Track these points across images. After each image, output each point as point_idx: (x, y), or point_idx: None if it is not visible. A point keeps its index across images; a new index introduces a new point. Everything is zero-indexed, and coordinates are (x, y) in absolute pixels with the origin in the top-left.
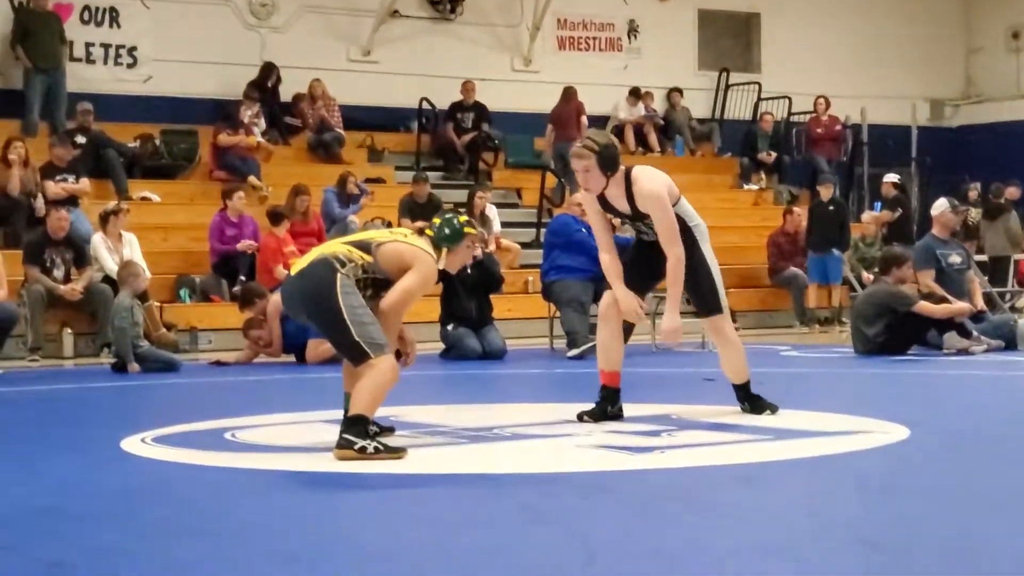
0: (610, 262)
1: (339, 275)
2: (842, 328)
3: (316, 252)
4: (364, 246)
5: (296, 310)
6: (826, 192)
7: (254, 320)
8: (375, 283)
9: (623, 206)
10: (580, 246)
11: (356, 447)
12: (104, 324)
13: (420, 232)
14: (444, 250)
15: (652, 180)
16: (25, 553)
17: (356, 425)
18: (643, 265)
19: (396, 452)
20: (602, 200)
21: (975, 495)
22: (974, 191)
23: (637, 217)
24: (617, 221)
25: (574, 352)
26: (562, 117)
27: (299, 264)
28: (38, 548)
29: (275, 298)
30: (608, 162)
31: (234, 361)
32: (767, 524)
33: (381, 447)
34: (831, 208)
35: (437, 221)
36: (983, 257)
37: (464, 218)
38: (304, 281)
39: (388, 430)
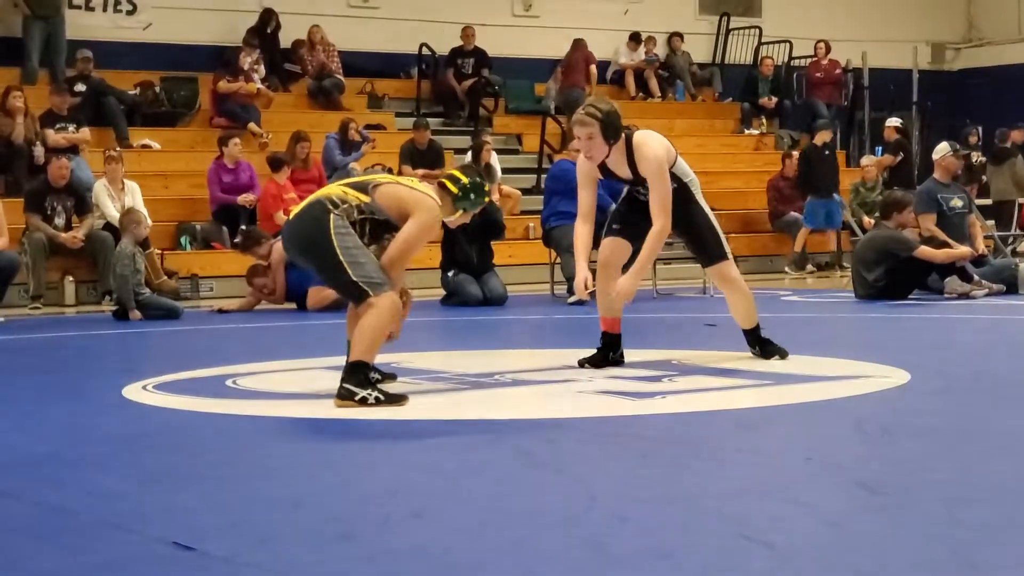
0: (584, 233)
1: (332, 216)
2: (843, 273)
3: (311, 196)
4: (361, 187)
5: (294, 254)
6: (825, 136)
7: (258, 268)
8: (374, 224)
9: (624, 172)
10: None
11: (356, 397)
12: (105, 272)
13: (440, 186)
14: (461, 211)
15: (653, 147)
16: (27, 498)
17: (356, 373)
18: (638, 214)
19: (397, 400)
20: (602, 166)
21: (975, 438)
22: (975, 135)
23: (637, 182)
24: None
25: (575, 298)
26: (570, 65)
27: (296, 208)
28: (40, 493)
29: (279, 245)
30: (611, 130)
31: (236, 308)
32: (767, 468)
33: (382, 396)
34: (826, 152)
35: (465, 180)
36: (987, 201)
37: (487, 185)
38: (299, 224)
39: (390, 376)
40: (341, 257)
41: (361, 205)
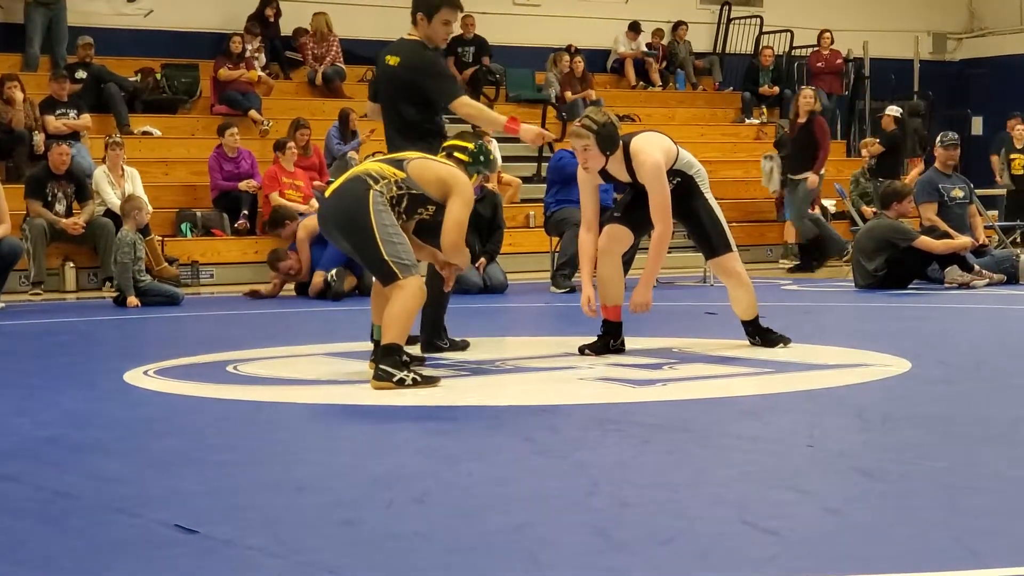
0: (588, 243)
1: (372, 192)
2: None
3: (349, 172)
4: (396, 163)
5: (330, 230)
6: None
7: (279, 252)
8: (412, 199)
9: (624, 176)
10: (574, 176)
11: (394, 379)
12: (106, 258)
13: (448, 155)
14: (476, 176)
15: (650, 153)
16: (31, 483)
17: (391, 355)
18: (643, 201)
19: (431, 381)
20: (602, 171)
21: (976, 427)
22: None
23: (638, 185)
24: None
25: (566, 288)
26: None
27: (333, 185)
28: (43, 478)
29: (305, 223)
30: (607, 141)
31: (267, 293)
32: (768, 455)
33: (418, 378)
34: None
35: (471, 146)
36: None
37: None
38: (338, 200)
39: (419, 359)
40: (377, 234)
41: (399, 180)
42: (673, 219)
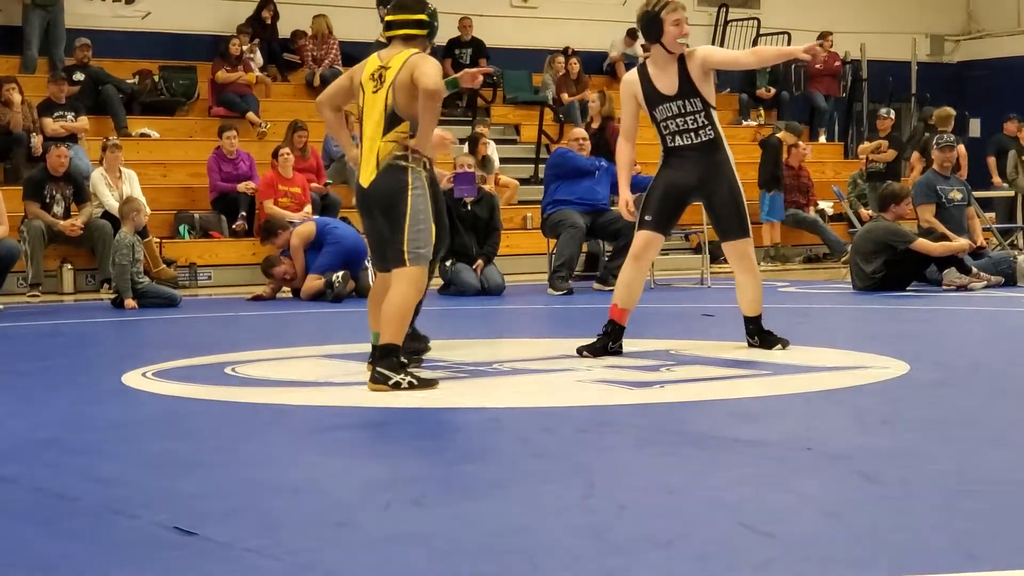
0: (626, 150)
1: (411, 175)
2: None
3: (372, 156)
4: (392, 120)
5: (373, 212)
6: (790, 139)
7: (272, 259)
8: None
9: (671, 85)
10: (578, 170)
11: (390, 382)
12: (104, 260)
13: (406, 41)
14: (432, 42)
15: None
16: (28, 484)
17: (388, 357)
18: (670, 203)
19: (428, 384)
20: (647, 85)
21: (974, 429)
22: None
23: (683, 94)
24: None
25: (563, 289)
26: None
27: (366, 175)
28: (41, 479)
29: (298, 230)
30: None
31: (267, 296)
32: (765, 457)
33: (415, 381)
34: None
35: (412, 16)
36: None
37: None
38: (380, 185)
39: (417, 361)
40: (408, 221)
41: (411, 132)
42: (694, 197)
